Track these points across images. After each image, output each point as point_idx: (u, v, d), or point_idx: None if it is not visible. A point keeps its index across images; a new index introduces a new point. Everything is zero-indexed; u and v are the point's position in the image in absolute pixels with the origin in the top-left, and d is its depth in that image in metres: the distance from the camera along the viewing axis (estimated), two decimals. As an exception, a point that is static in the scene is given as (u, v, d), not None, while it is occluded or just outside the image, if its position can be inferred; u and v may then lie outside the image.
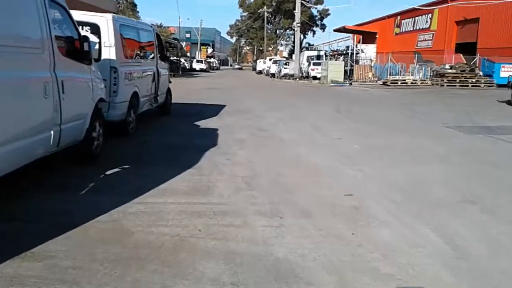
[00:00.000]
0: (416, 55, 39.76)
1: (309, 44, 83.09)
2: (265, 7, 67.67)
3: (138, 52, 9.54)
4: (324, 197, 5.04)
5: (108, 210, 4.35)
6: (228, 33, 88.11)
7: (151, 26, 10.71)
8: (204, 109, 13.86)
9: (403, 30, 54.25)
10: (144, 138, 8.58)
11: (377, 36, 36.21)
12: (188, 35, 79.15)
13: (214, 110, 13.64)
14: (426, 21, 48.47)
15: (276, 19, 75.86)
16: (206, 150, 7.48)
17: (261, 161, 6.89)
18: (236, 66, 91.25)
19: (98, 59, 7.95)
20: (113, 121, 8.19)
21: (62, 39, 5.43)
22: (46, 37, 4.79)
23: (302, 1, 33.27)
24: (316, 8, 71.93)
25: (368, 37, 43.74)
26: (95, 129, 6.42)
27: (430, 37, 47.32)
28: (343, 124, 11.29)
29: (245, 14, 78.62)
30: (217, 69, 69.51)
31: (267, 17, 71.32)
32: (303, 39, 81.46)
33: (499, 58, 27.35)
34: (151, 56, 10.58)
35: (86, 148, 6.23)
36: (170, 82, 12.37)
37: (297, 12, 33.77)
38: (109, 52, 8.04)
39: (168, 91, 12.13)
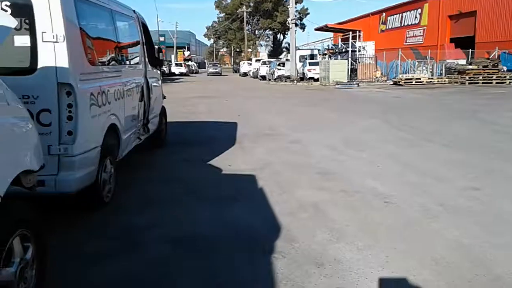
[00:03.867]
0: (414, 51, 36.34)
1: (289, 45, 79.48)
2: (244, 7, 63.53)
3: (114, 54, 5.29)
4: None
5: None
6: (205, 35, 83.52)
7: (135, 12, 6.43)
8: (212, 131, 9.65)
9: (390, 27, 50.96)
10: (129, 220, 4.33)
11: (361, 34, 32.56)
12: (162, 39, 74.17)
13: (225, 132, 9.45)
14: (416, 17, 45.24)
15: (255, 19, 71.85)
16: (281, 254, 3.35)
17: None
18: (212, 70, 57.53)
19: (30, 69, 3.79)
20: (69, 193, 3.99)
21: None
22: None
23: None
24: (295, 7, 68.26)
25: (345, 37, 39.80)
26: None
27: (420, 32, 44.08)
28: (430, 152, 7.27)
29: (222, 15, 74.39)
30: (196, 72, 64.69)
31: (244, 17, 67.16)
32: (283, 39, 77.79)
33: (523, 51, 23.95)
34: (136, 60, 6.34)
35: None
36: (164, 97, 8.10)
37: (291, 7, 29.62)
38: (54, 54, 3.80)
39: (163, 112, 7.87)
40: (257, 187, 5.34)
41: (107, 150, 4.56)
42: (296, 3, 69.77)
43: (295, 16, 28.89)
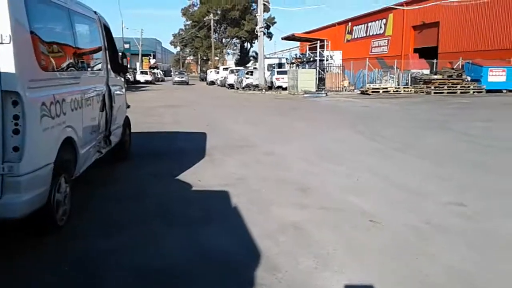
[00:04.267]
0: (379, 61, 36.90)
1: (256, 53, 79.59)
2: (211, 15, 63.11)
3: (72, 59, 4.74)
4: None
5: None
6: (171, 42, 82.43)
7: (96, 13, 5.89)
8: (179, 142, 9.13)
9: (355, 37, 51.74)
10: (87, 247, 3.79)
11: (328, 43, 32.77)
12: (127, 46, 72.60)
13: (194, 143, 8.97)
14: (380, 27, 46.09)
15: (222, 27, 71.55)
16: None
17: None
18: (177, 78, 51.20)
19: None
20: (14, 218, 3.45)
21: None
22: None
23: (265, 3, 28.92)
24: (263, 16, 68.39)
25: (313, 46, 39.93)
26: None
27: (385, 42, 44.91)
28: (407, 164, 7.05)
29: (189, 22, 73.73)
30: (162, 80, 63.41)
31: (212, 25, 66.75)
32: (250, 48, 77.78)
33: (485, 62, 24.54)
34: (97, 66, 5.80)
35: None
36: (128, 106, 7.54)
37: (260, 15, 29.35)
38: (-3, 56, 3.28)
39: (127, 122, 7.30)
40: (231, 206, 4.89)
41: (61, 167, 4.01)
42: (263, 11, 70.21)
43: (263, 24, 28.63)
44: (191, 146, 8.63)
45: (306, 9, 69.99)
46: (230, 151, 8.13)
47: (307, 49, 33.79)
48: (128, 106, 7.52)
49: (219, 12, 68.00)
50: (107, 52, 6.00)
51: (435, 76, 24.28)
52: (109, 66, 6.11)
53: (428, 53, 34.85)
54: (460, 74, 24.22)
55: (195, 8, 71.18)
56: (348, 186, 5.68)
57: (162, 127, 11.33)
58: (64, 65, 4.47)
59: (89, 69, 5.47)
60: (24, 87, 3.39)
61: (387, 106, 17.92)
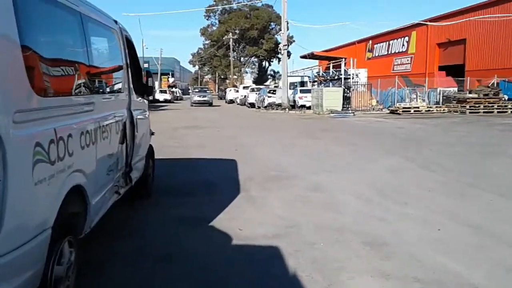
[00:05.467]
0: (404, 79, 35.50)
1: (274, 72, 78.91)
2: (230, 34, 62.73)
3: (84, 78, 3.59)
4: None
5: None
6: (190, 61, 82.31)
7: (116, 23, 4.80)
8: (207, 172, 7.94)
9: (376, 55, 50.47)
10: None
11: (353, 61, 31.72)
12: (146, 65, 72.73)
13: (224, 173, 7.78)
14: (403, 45, 44.77)
15: (241, 46, 71.16)
16: None
17: None
18: (197, 98, 39.29)
19: None
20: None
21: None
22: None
23: (289, 20, 27.96)
24: (280, 35, 67.83)
25: (337, 63, 38.76)
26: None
27: (408, 60, 43.52)
28: (490, 205, 5.71)
29: (207, 42, 73.60)
30: (181, 99, 62.81)
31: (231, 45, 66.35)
32: (268, 67, 77.19)
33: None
34: (116, 87, 4.68)
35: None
36: (152, 133, 6.40)
37: (283, 33, 28.35)
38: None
39: (150, 152, 6.15)
40: (289, 272, 3.64)
41: (64, 228, 2.85)
42: (279, 31, 69.58)
43: (282, 43, 27.54)
44: (221, 178, 7.44)
45: (326, 28, 68.96)
46: (268, 184, 6.91)
47: (331, 66, 32.58)
48: (152, 133, 6.37)
49: (237, 31, 67.70)
50: (129, 70, 4.88)
51: (470, 95, 22.76)
52: (131, 86, 4.99)
53: (453, 71, 33.41)
54: (497, 93, 22.69)
55: (214, 28, 71.09)
56: (432, 240, 4.38)
57: (186, 152, 10.19)
58: (73, 87, 3.34)
59: (107, 91, 4.35)
60: (7, 122, 2.25)
61: (425, 127, 16.52)
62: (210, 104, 37.70)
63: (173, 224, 4.91)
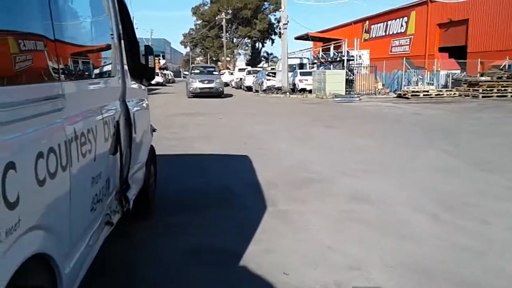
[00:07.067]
0: (404, 60, 34.10)
1: (268, 54, 76.91)
2: (223, 14, 60.46)
3: (47, 57, 2.09)
4: None
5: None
6: (181, 42, 79.58)
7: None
8: (219, 175, 6.43)
9: (374, 36, 48.72)
10: None
11: (344, 42, 30.07)
12: (137, 46, 70.14)
13: (239, 175, 6.33)
14: (401, 25, 43.11)
15: (233, 27, 68.89)
16: None
17: None
18: (201, 84, 24.08)
19: None
20: None
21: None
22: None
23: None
24: (274, 15, 65.65)
25: (337, 44, 37.07)
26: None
27: (407, 42, 41.95)
28: None
29: (199, 22, 71.18)
30: (173, 81, 60.68)
31: (223, 25, 64.07)
32: (261, 48, 75.03)
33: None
34: (104, 69, 3.16)
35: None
36: (154, 130, 4.89)
37: (283, 11, 26.57)
38: None
39: (151, 156, 4.64)
40: None
41: None
42: (275, 10, 67.23)
43: (282, 22, 25.60)
44: (237, 182, 5.97)
45: (323, 6, 66.80)
46: (297, 192, 5.48)
47: (331, 48, 30.92)
48: (154, 130, 4.87)
49: (230, 11, 65.45)
50: (122, 44, 3.35)
51: (483, 78, 21.39)
52: (126, 68, 3.47)
53: (454, 53, 32.03)
54: (510, 76, 21.34)
55: (206, 8, 68.67)
56: None
57: (189, 146, 8.68)
58: (24, 70, 1.83)
59: (88, 76, 2.83)
60: None
61: (442, 112, 15.13)
62: (220, 95, 24.59)
63: (184, 263, 3.45)
